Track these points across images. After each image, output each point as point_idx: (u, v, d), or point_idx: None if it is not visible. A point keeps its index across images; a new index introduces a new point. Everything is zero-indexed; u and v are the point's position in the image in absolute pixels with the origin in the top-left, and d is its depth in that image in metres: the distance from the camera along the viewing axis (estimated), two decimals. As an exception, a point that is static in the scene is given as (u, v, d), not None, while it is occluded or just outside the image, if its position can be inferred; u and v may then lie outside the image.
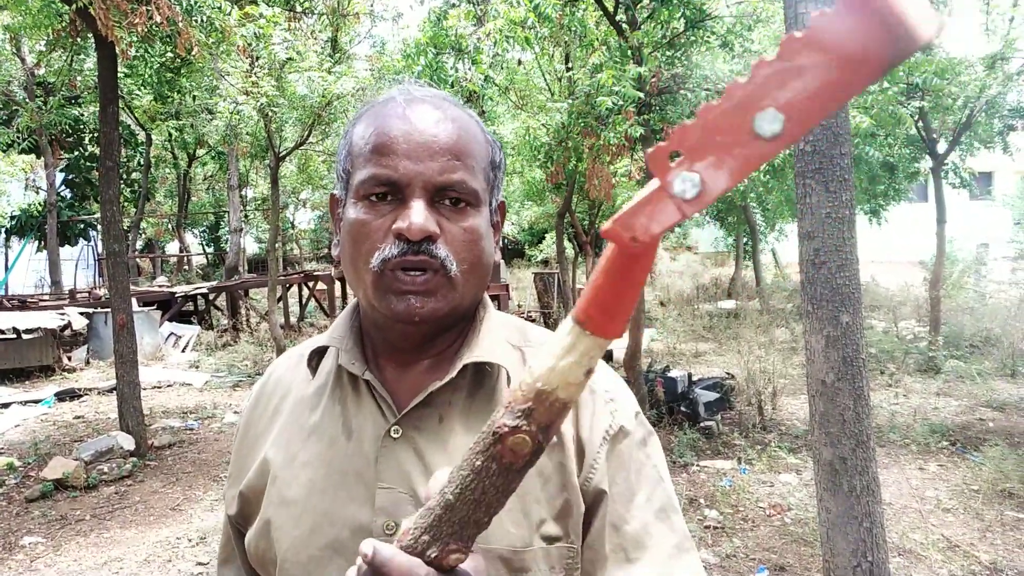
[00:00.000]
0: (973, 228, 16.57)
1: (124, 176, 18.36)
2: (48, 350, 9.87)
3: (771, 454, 5.53)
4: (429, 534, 0.54)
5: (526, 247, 26.14)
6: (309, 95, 7.99)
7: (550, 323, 11.71)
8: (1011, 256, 14.92)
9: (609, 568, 0.78)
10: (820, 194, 2.81)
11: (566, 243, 13.44)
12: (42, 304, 11.58)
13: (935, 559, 3.90)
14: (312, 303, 14.77)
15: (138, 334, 6.98)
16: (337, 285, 13.22)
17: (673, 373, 6.74)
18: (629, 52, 5.95)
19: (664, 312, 13.74)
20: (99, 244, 18.17)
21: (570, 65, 8.04)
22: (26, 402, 8.10)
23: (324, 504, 0.80)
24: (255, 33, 7.42)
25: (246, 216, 20.74)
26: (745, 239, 16.35)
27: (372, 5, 15.10)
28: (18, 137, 14.24)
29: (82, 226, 19.15)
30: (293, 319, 13.93)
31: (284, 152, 9.64)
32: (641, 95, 5.64)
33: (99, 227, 15.39)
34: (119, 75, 6.78)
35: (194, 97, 12.35)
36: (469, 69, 8.48)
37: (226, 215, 19.20)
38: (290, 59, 8.14)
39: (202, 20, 6.80)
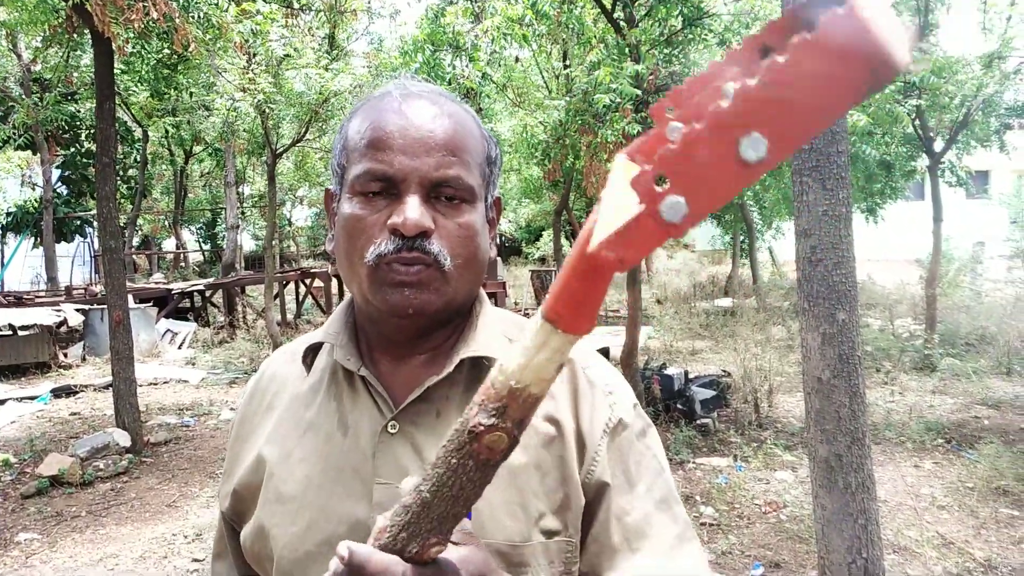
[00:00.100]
0: (969, 227, 16.62)
1: (120, 173, 18.30)
2: (44, 347, 9.85)
3: (767, 451, 5.54)
4: (407, 531, 0.56)
5: (523, 245, 26.16)
6: (306, 92, 7.99)
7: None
8: (1007, 255, 14.95)
9: (614, 559, 0.78)
10: (817, 192, 2.81)
11: (563, 241, 13.45)
12: (38, 301, 11.56)
13: (930, 556, 3.91)
14: (309, 300, 14.76)
15: (134, 331, 6.97)
16: (334, 282, 13.19)
17: (670, 371, 6.75)
18: (627, 50, 5.95)
19: (661, 310, 13.75)
20: (95, 241, 18.13)
21: (568, 62, 8.04)
22: (22, 398, 8.08)
23: (321, 500, 0.80)
24: (252, 29, 7.40)
25: (243, 213, 20.72)
26: (742, 237, 16.36)
27: (369, 2, 15.04)
28: (14, 133, 14.19)
29: (78, 222, 19.10)
30: (290, 316, 13.92)
31: (281, 149, 9.63)
32: (639, 92, 5.65)
33: (95, 223, 15.31)
34: (116, 71, 6.75)
35: (191, 94, 12.33)
36: (467, 66, 8.47)
37: (223, 212, 19.19)
38: (287, 56, 8.13)
39: (199, 16, 6.78)
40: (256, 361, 10.11)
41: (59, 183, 18.64)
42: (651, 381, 6.56)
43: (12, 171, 17.06)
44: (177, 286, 13.50)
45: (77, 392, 8.47)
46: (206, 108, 12.86)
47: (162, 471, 5.74)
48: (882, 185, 10.82)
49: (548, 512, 0.78)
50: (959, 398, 7.02)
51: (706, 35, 6.34)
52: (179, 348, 11.29)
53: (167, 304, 12.43)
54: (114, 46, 5.84)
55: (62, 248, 18.56)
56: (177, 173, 20.37)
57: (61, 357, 10.12)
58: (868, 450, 2.84)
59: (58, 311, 10.29)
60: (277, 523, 0.81)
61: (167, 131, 16.20)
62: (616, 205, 0.39)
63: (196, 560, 4.15)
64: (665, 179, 0.33)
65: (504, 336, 0.87)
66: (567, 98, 6.55)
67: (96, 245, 17.47)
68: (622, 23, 6.16)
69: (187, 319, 13.14)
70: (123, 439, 5.96)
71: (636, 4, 6.19)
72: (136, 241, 22.32)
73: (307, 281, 14.22)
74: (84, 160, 18.06)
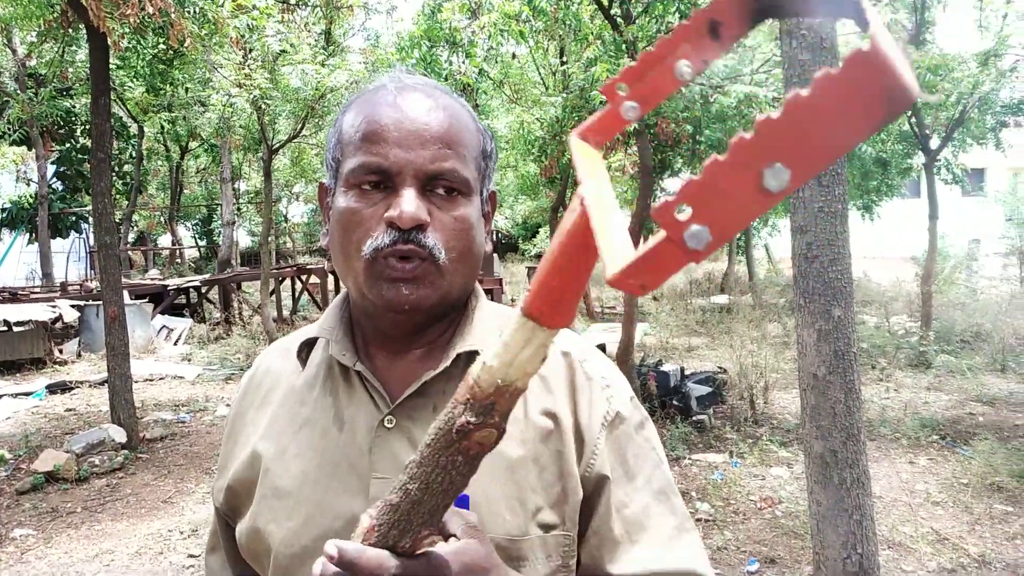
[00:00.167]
0: (965, 224, 16.66)
1: (116, 168, 18.24)
2: (39, 343, 9.82)
3: (762, 447, 5.56)
4: (398, 528, 0.56)
5: (520, 241, 26.14)
6: (302, 88, 7.97)
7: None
8: (1002, 252, 14.97)
9: (615, 551, 0.79)
10: (813, 188, 2.81)
11: (560, 237, 13.39)
12: (33, 296, 11.51)
13: (924, 551, 3.93)
14: (305, 296, 14.74)
15: (130, 327, 6.95)
16: (330, 278, 13.18)
17: (666, 367, 6.76)
18: (624, 46, 5.94)
19: (657, 307, 13.76)
20: (91, 236, 18.06)
21: (564, 59, 8.03)
22: (17, 395, 8.06)
23: (317, 495, 0.80)
24: (248, 25, 7.39)
25: (239, 209, 20.66)
26: (738, 234, 16.38)
27: (366, -3, 15.00)
28: (9, 129, 14.14)
29: (73, 218, 19.03)
30: (286, 312, 13.90)
31: (277, 145, 9.61)
32: (635, 89, 5.63)
33: (91, 219, 15.28)
34: (111, 67, 6.72)
35: (187, 89, 12.30)
36: (463, 62, 8.46)
37: (219, 208, 19.14)
38: (283, 51, 8.11)
39: (195, 11, 6.76)
40: (252, 357, 10.08)
41: (54, 179, 18.58)
42: (647, 378, 6.57)
43: (7, 167, 16.98)
44: (173, 282, 13.47)
45: (72, 388, 8.45)
46: (202, 104, 12.81)
47: (158, 467, 5.73)
48: (878, 182, 10.85)
49: (546, 506, 0.78)
50: (954, 395, 7.05)
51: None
52: (175, 344, 11.27)
53: (163, 300, 12.41)
54: (109, 41, 5.81)
55: (57, 244, 18.48)
56: (173, 169, 20.30)
57: (56, 353, 10.09)
58: (863, 446, 2.85)
59: (53, 307, 10.25)
60: (273, 519, 0.81)
61: (163, 127, 16.14)
62: (608, 217, 0.41)
63: (192, 556, 4.15)
64: (685, 207, 0.34)
65: (500, 330, 0.87)
66: (564, 94, 6.55)
67: (91, 241, 17.43)
68: (619, 19, 6.16)
69: (183, 315, 13.11)
70: (119, 435, 5.95)
71: (633, 1, 6.18)
72: (132, 237, 22.22)
73: (303, 277, 14.19)
74: (79, 156, 18.00)
